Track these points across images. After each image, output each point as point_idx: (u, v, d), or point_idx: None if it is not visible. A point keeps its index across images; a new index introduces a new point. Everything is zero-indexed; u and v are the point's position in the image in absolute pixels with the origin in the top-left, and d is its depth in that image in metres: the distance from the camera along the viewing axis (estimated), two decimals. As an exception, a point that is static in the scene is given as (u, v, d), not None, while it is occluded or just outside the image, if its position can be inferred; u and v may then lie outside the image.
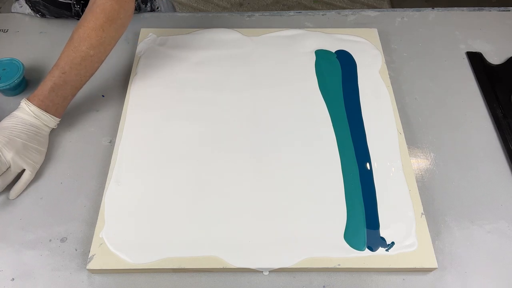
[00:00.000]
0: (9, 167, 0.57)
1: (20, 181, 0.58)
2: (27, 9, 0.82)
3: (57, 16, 0.81)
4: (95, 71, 0.62)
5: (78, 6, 0.77)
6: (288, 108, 0.67)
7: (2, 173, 0.57)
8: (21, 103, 0.59)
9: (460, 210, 0.58)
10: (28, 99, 0.59)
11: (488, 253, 0.55)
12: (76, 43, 0.59)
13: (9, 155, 0.56)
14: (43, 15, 0.81)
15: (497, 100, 0.70)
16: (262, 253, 0.53)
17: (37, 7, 0.80)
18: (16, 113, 0.59)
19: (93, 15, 0.58)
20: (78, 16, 0.78)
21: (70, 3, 0.77)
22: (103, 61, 0.62)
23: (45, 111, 0.59)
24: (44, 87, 0.59)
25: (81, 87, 0.62)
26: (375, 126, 0.65)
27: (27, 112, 0.58)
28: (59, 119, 0.61)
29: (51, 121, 0.60)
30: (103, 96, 0.71)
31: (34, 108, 0.58)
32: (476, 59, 0.76)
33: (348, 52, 0.75)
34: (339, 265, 0.52)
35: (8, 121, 0.58)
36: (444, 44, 0.79)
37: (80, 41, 0.58)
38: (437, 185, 0.61)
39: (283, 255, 0.52)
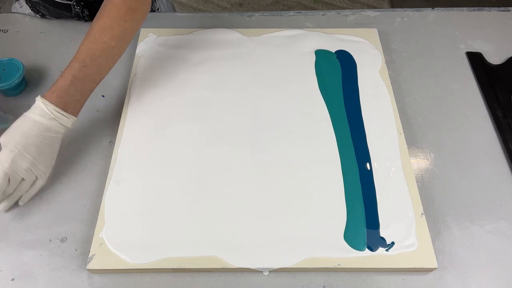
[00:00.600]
0: (22, 179, 0.54)
1: (31, 188, 0.56)
2: (27, 10, 0.82)
3: (57, 16, 0.81)
4: (114, 65, 0.60)
5: (78, 8, 0.77)
6: (288, 108, 0.67)
7: (17, 184, 0.54)
8: (36, 102, 0.54)
9: (460, 210, 0.58)
10: (44, 96, 0.54)
11: (488, 253, 0.55)
12: (97, 34, 0.56)
13: (23, 166, 0.53)
14: (43, 16, 0.81)
15: (497, 100, 0.70)
16: (262, 253, 0.53)
17: (37, 8, 0.80)
18: (31, 115, 0.54)
19: (114, 6, 0.57)
20: (78, 17, 0.79)
21: (70, 4, 0.77)
22: (122, 54, 0.60)
23: (63, 109, 0.55)
24: (63, 81, 0.55)
25: (99, 82, 0.59)
26: (375, 126, 0.65)
27: (44, 114, 0.54)
28: (76, 119, 0.58)
29: (69, 121, 0.56)
30: (103, 96, 0.71)
31: (52, 107, 0.54)
32: (476, 59, 0.76)
33: (348, 52, 0.75)
34: (339, 265, 0.52)
35: (22, 125, 0.54)
36: (444, 44, 0.79)
37: (102, 32, 0.56)
38: (437, 185, 0.61)
39: (283, 255, 0.52)
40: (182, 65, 0.73)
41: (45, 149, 0.55)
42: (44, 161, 0.55)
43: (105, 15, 0.57)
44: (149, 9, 0.62)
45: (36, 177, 0.56)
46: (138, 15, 0.60)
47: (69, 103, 0.56)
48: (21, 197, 0.56)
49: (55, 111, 0.54)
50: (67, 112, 0.56)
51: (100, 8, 0.59)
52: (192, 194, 0.58)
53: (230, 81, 0.70)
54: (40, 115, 0.54)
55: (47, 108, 0.54)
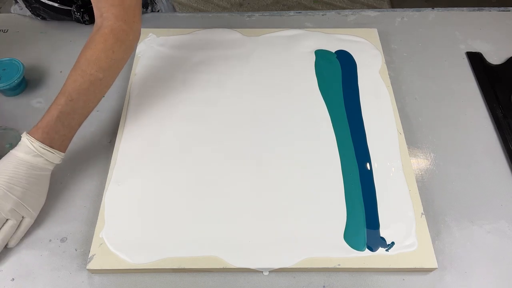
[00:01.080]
0: (8, 219, 0.52)
1: (19, 229, 0.53)
2: (27, 12, 0.82)
3: (57, 19, 0.81)
4: (103, 96, 0.58)
5: (78, 14, 0.76)
6: (288, 108, 0.67)
7: (1, 228, 0.51)
8: (22, 139, 0.52)
9: (460, 210, 0.58)
10: (29, 133, 0.52)
11: (488, 253, 0.55)
12: (84, 66, 0.54)
13: (7, 207, 0.50)
14: (43, 18, 0.81)
15: (497, 100, 0.70)
16: (262, 253, 0.53)
17: (37, 12, 0.79)
18: (16, 152, 0.52)
19: (101, 37, 0.55)
20: (78, 21, 0.78)
21: (70, 9, 0.76)
22: (110, 85, 0.58)
23: (50, 146, 0.53)
24: (49, 117, 0.53)
25: (88, 115, 0.57)
26: (375, 126, 0.65)
27: (29, 151, 0.52)
28: (64, 154, 0.55)
29: (56, 157, 0.54)
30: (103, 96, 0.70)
31: (37, 144, 0.51)
32: (476, 59, 0.76)
33: (348, 52, 0.75)
34: (339, 265, 0.52)
35: (7, 164, 0.52)
36: (444, 44, 0.79)
37: (89, 64, 0.54)
38: (437, 185, 0.61)
39: (283, 255, 0.52)
40: (182, 65, 0.73)
41: (32, 187, 0.52)
42: (31, 200, 0.53)
43: (92, 47, 0.55)
44: (138, 39, 0.60)
45: (23, 216, 0.53)
46: (126, 46, 0.57)
47: (55, 139, 0.53)
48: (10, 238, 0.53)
49: (41, 147, 0.52)
50: (54, 148, 0.53)
51: (88, 39, 0.56)
52: (192, 194, 0.58)
53: (230, 81, 0.70)
54: (25, 152, 0.52)
55: (32, 145, 0.52)
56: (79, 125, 0.57)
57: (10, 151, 0.53)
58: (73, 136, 0.57)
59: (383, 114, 0.66)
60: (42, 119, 0.53)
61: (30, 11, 0.80)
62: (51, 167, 0.55)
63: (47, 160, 0.53)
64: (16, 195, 0.51)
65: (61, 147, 0.55)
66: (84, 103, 0.55)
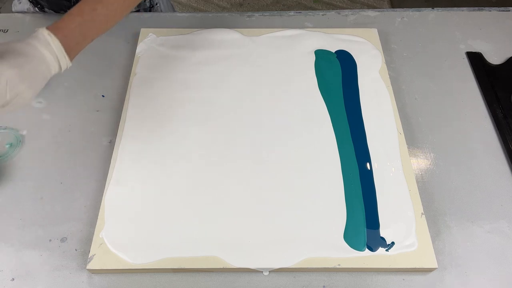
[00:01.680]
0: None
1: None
2: (26, 4, 0.81)
3: (56, 8, 0.80)
4: (121, 19, 0.55)
5: None
6: (288, 108, 0.67)
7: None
8: (41, 32, 0.47)
9: (460, 210, 0.58)
10: (49, 29, 0.47)
11: (488, 253, 0.55)
12: None
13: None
14: (41, 8, 0.81)
15: (497, 100, 0.70)
16: (262, 253, 0.53)
17: (36, 0, 0.79)
18: (36, 43, 0.46)
19: None
20: None
21: None
22: (132, 8, 0.56)
23: (66, 50, 0.48)
24: (70, 21, 0.49)
25: (103, 33, 0.53)
26: (375, 126, 0.65)
27: (48, 47, 0.46)
28: (71, 64, 0.50)
29: (65, 64, 0.49)
30: (103, 96, 0.71)
31: (57, 44, 0.47)
32: (476, 59, 0.76)
33: (348, 52, 0.75)
34: (339, 265, 0.52)
35: (25, 47, 0.45)
36: (444, 44, 0.79)
37: None
38: (437, 185, 0.61)
39: (283, 255, 0.52)
40: (182, 65, 0.73)
41: (35, 76, 0.45)
42: (25, 89, 0.44)
43: None
44: None
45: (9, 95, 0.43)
46: None
47: (71, 46, 0.49)
48: None
49: (60, 49, 0.47)
50: (67, 55, 0.49)
51: None
52: (192, 193, 0.58)
53: (230, 81, 0.70)
54: (45, 47, 0.46)
55: (53, 43, 0.47)
56: (92, 39, 0.52)
57: (27, 40, 0.46)
58: (82, 48, 0.52)
59: (383, 114, 0.66)
60: (62, 21, 0.49)
61: (30, 1, 0.79)
62: (54, 72, 0.49)
63: (57, 62, 0.48)
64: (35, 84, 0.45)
65: (71, 56, 0.50)
66: (104, 17, 0.52)
